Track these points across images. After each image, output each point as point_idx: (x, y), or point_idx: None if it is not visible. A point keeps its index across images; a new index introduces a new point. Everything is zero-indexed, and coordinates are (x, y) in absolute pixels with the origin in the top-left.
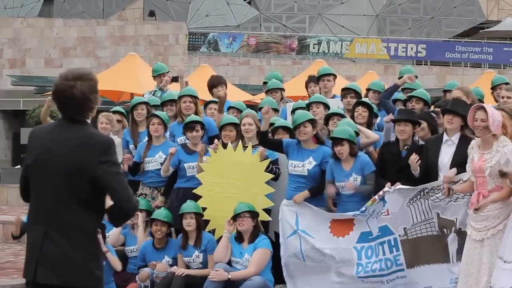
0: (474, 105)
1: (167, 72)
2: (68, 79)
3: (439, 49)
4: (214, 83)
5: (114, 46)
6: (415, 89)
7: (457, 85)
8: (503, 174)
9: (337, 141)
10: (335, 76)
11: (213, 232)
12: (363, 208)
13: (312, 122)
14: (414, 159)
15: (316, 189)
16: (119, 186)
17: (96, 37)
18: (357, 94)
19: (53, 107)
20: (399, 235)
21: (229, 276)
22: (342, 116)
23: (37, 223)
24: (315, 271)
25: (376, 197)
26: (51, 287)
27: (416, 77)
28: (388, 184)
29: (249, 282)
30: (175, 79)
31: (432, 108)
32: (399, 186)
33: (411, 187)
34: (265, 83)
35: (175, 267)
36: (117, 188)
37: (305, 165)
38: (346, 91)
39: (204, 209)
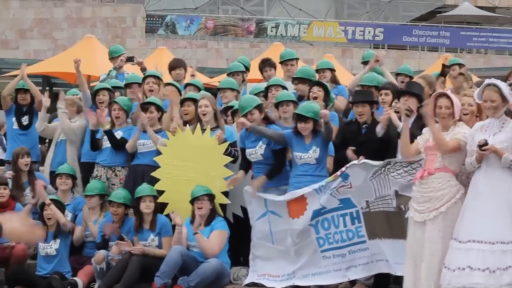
0: (435, 93)
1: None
2: None
3: (397, 33)
4: (174, 65)
5: (71, 28)
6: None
7: (409, 69)
8: None
9: (302, 118)
10: (297, 60)
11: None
12: (323, 183)
13: (259, 107)
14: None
15: (272, 171)
16: None
17: (53, 18)
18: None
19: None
20: (362, 208)
21: (197, 232)
22: (294, 102)
23: None
24: (280, 254)
25: (338, 172)
26: None
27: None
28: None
29: (206, 264)
30: (130, 59)
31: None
32: (363, 160)
33: (375, 161)
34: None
35: (133, 247)
36: None
37: (257, 151)
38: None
39: (162, 192)
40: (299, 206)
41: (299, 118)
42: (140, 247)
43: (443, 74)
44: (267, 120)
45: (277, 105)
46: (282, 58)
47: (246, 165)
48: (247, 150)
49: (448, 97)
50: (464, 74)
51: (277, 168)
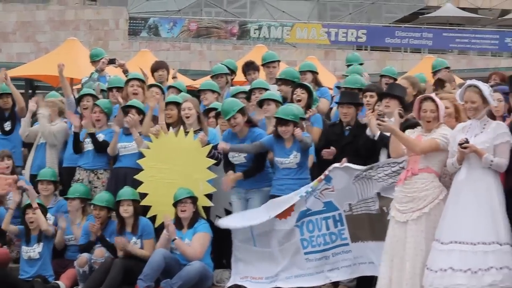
0: (420, 96)
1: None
2: None
3: (379, 34)
4: (156, 67)
5: (54, 30)
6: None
7: (393, 71)
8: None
9: (282, 121)
10: (279, 62)
11: (153, 218)
12: (310, 189)
13: (241, 111)
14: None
15: (249, 172)
16: None
17: (36, 21)
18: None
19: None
20: (344, 211)
21: (175, 238)
22: (277, 102)
23: None
24: (263, 256)
25: (322, 176)
26: None
27: (362, 64)
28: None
29: (188, 267)
30: (111, 61)
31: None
32: (345, 164)
33: (358, 166)
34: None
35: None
36: None
37: (241, 154)
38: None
39: (145, 195)
40: (286, 209)
41: (279, 121)
42: (126, 242)
43: (438, 85)
44: (250, 123)
45: (261, 103)
46: (264, 60)
47: (231, 167)
48: (230, 153)
49: (433, 100)
50: (444, 79)
51: (254, 170)
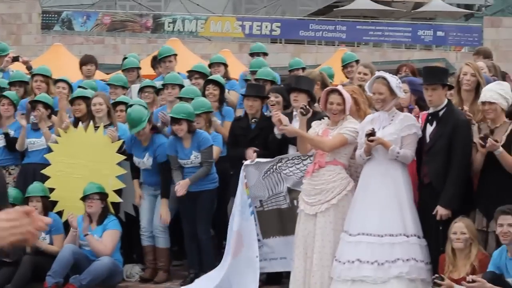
0: (327, 88)
1: (9, 54)
2: None
3: (294, 27)
4: (85, 61)
5: None
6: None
7: (301, 63)
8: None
9: (174, 120)
10: (176, 55)
11: (61, 213)
12: (239, 208)
13: (148, 120)
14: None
15: (195, 176)
16: None
17: None
18: (203, 74)
19: None
20: (255, 207)
21: (88, 234)
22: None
23: None
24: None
25: (245, 180)
26: None
27: (266, 54)
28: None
29: (97, 262)
30: (16, 59)
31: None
32: (256, 159)
33: (268, 159)
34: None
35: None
36: None
37: (146, 162)
38: (190, 73)
39: (52, 190)
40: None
41: (172, 120)
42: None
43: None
44: (155, 130)
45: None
46: (160, 55)
47: (138, 172)
48: (135, 159)
49: (340, 93)
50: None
51: (166, 185)
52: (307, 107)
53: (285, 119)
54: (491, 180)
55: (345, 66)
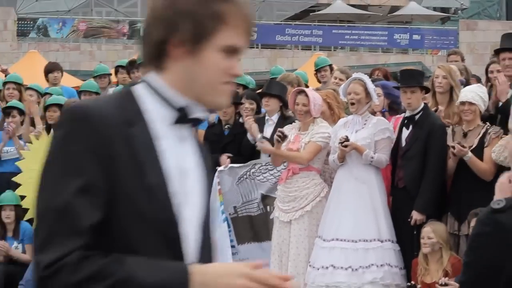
0: (295, 89)
1: None
2: None
3: (270, 32)
4: (51, 68)
5: None
6: None
7: (282, 70)
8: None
9: None
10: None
11: (32, 220)
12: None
13: None
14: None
15: None
16: None
17: None
18: None
19: None
20: (229, 214)
21: None
22: None
23: None
24: None
25: (218, 187)
26: None
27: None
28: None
29: None
30: None
31: None
32: (229, 165)
33: (241, 164)
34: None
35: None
36: None
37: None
38: None
39: (23, 197)
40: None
41: None
42: (8, 247)
43: None
44: None
45: None
46: (140, 60)
47: None
48: None
49: (306, 94)
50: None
51: None
52: (284, 134)
53: (255, 127)
54: (462, 184)
55: (318, 70)
